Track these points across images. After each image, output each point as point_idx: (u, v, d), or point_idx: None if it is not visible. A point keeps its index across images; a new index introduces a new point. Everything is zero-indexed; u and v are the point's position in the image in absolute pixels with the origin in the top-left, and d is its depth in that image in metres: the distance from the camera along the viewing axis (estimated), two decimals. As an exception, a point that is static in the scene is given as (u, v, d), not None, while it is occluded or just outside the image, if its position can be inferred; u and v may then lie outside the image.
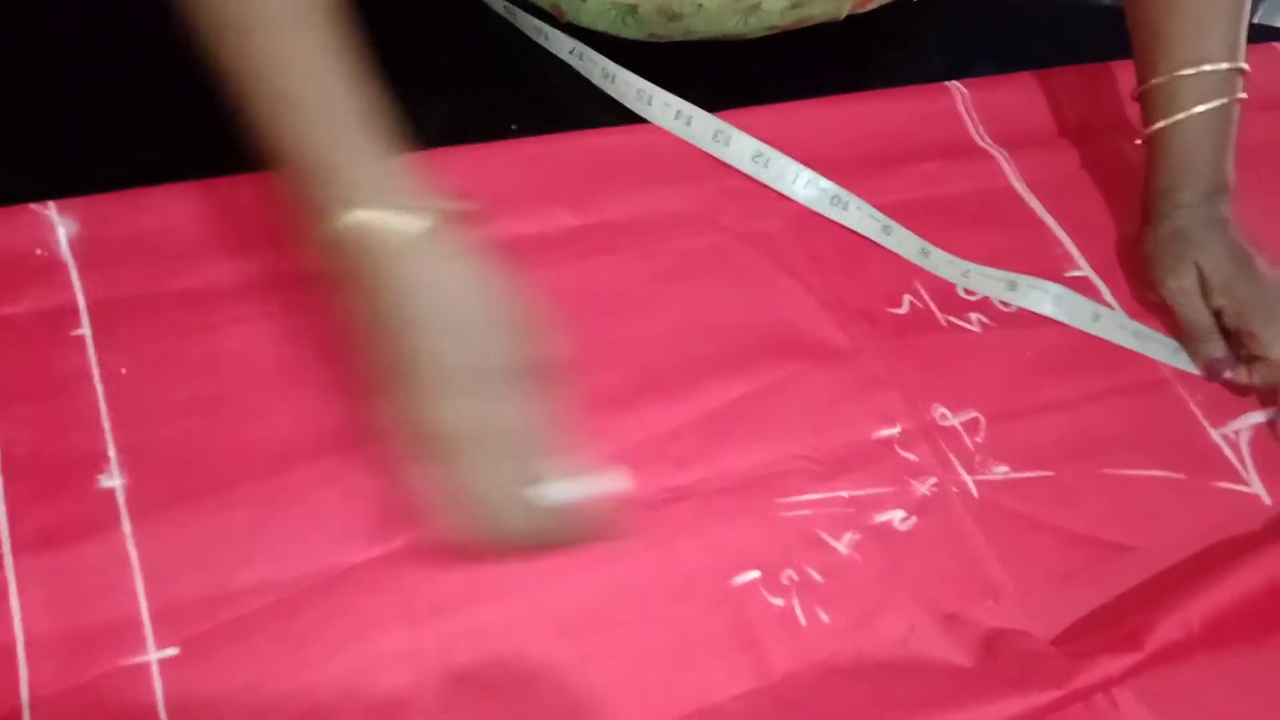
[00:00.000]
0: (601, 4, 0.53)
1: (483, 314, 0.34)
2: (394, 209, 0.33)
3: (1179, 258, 0.51)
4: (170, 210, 0.43)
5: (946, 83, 0.59)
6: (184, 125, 0.47)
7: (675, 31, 0.55)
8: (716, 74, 0.56)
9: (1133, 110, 0.55)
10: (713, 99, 0.53)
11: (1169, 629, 0.40)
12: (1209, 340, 0.51)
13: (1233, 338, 0.51)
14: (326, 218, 0.33)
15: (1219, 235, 0.51)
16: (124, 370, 0.39)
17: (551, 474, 0.34)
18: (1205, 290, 0.51)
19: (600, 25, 0.55)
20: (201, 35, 0.36)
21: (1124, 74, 0.61)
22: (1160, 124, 0.52)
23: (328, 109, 0.34)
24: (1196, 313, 0.51)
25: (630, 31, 0.55)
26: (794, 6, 0.54)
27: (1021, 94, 0.61)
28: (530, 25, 0.56)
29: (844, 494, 0.43)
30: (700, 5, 0.52)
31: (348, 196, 0.33)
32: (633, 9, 0.53)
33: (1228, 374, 0.51)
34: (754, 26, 0.55)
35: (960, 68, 0.62)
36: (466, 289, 0.34)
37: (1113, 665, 0.39)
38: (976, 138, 0.58)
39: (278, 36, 0.34)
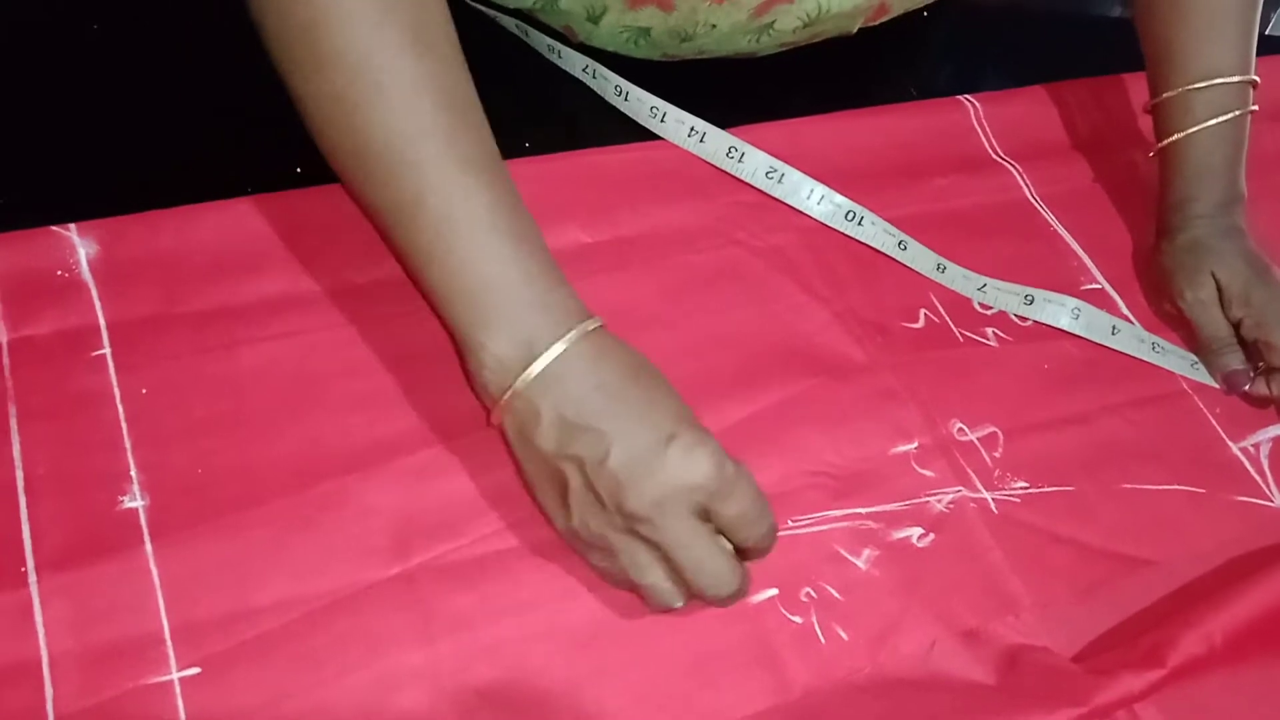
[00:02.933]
0: (613, 26, 0.53)
1: (631, 412, 0.36)
2: (539, 348, 0.36)
3: (1196, 269, 0.51)
4: (189, 231, 0.43)
5: (959, 96, 0.59)
6: (203, 147, 0.47)
7: (688, 51, 0.55)
8: (728, 90, 0.56)
9: (1145, 122, 0.55)
10: (725, 115, 0.53)
11: (1191, 644, 0.40)
12: (1227, 352, 0.51)
13: (1251, 349, 0.51)
14: (484, 385, 0.37)
15: (1235, 245, 0.51)
16: (144, 390, 0.39)
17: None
18: (1223, 302, 0.51)
19: (612, 46, 0.55)
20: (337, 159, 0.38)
21: (1135, 86, 0.61)
22: (1173, 137, 0.52)
23: (480, 270, 0.36)
24: (1215, 325, 0.51)
25: (642, 52, 0.55)
26: (806, 25, 0.54)
27: (1034, 107, 0.61)
28: (543, 43, 0.56)
29: (862, 511, 0.43)
30: (713, 26, 0.53)
31: (498, 366, 0.36)
32: (645, 31, 0.53)
33: (1247, 386, 0.51)
34: (766, 44, 0.56)
35: (971, 80, 0.62)
36: (608, 394, 0.36)
37: (1135, 681, 0.38)
38: (990, 151, 0.58)
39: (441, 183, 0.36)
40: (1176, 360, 0.52)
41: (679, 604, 0.37)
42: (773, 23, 0.53)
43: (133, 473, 0.37)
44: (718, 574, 0.36)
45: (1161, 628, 0.41)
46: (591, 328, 0.37)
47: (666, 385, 0.37)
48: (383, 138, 0.36)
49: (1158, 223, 0.54)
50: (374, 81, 0.36)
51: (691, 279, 0.49)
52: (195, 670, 0.34)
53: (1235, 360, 0.51)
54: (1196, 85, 0.51)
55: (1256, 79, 0.51)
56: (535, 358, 0.35)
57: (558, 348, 0.35)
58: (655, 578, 0.36)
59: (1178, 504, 0.47)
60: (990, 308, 0.52)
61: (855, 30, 0.58)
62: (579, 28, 0.55)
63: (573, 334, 0.36)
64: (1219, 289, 0.51)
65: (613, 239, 0.49)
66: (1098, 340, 0.51)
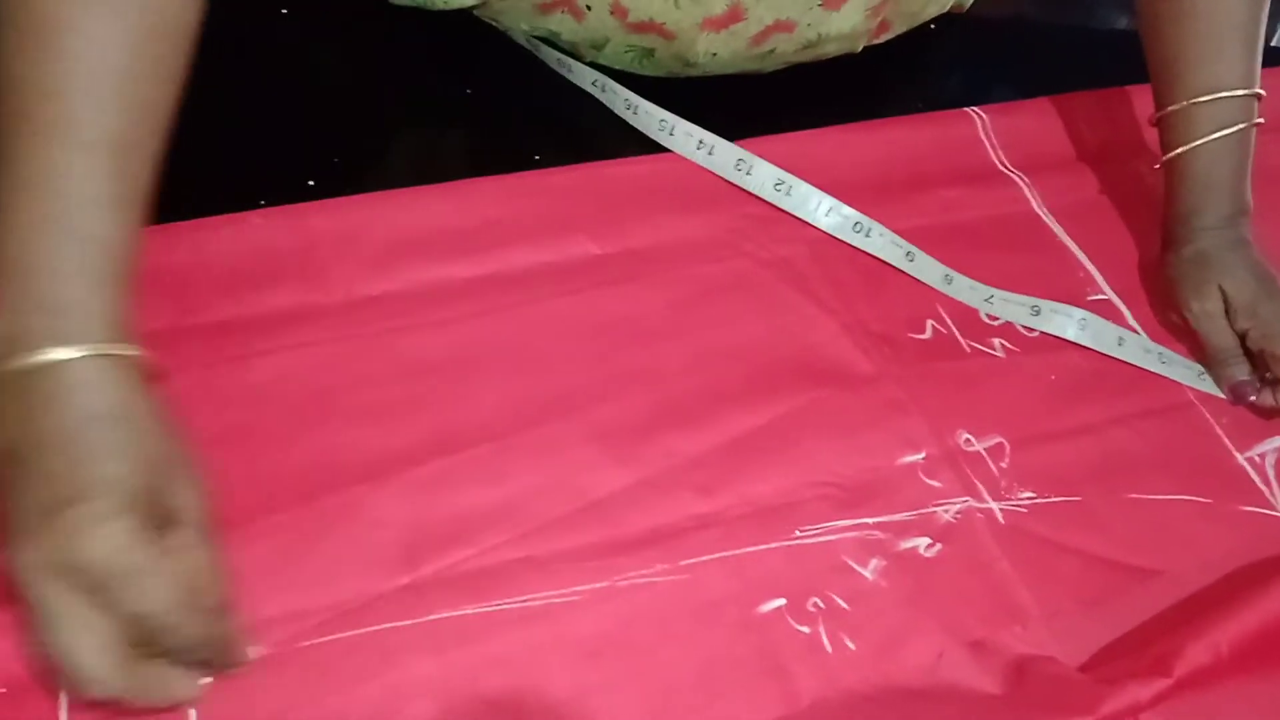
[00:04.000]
0: (618, 47, 0.54)
1: (128, 452, 0.32)
2: (17, 349, 0.32)
3: (1202, 280, 0.51)
4: (203, 244, 0.44)
5: (966, 109, 0.60)
6: (216, 160, 0.48)
7: (692, 74, 0.56)
8: (737, 104, 0.57)
9: (1151, 134, 0.55)
10: (733, 128, 0.53)
11: (1197, 654, 0.40)
12: (1234, 363, 0.51)
13: (1257, 360, 0.51)
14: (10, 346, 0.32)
15: (1241, 257, 0.51)
16: (158, 401, 0.40)
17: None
18: (1229, 312, 0.51)
19: (618, 65, 0.56)
20: None
21: (1141, 98, 0.61)
22: (1178, 150, 0.52)
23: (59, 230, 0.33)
24: (1221, 335, 0.51)
25: (648, 71, 0.56)
26: (807, 48, 0.55)
27: (1041, 119, 0.61)
28: (553, 58, 0.57)
29: (869, 521, 0.43)
30: (715, 55, 0.53)
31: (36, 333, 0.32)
32: (649, 51, 0.54)
33: (1253, 397, 0.51)
34: (769, 65, 0.56)
35: (978, 93, 0.62)
36: (113, 431, 0.32)
37: (1142, 691, 0.38)
38: (997, 163, 0.59)
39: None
40: (1183, 371, 0.52)
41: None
42: (772, 49, 0.54)
43: (146, 483, 0.38)
44: (78, 665, 0.31)
45: (1168, 637, 0.41)
46: (112, 352, 0.33)
47: (137, 448, 0.33)
48: (13, 75, 0.33)
49: (1163, 235, 0.54)
50: (37, 29, 0.33)
51: (700, 290, 0.49)
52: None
53: (1241, 371, 0.51)
54: (1201, 99, 0.51)
55: (1262, 92, 0.51)
56: (7, 357, 0.32)
57: (32, 357, 0.32)
58: (49, 641, 0.31)
59: (1184, 514, 0.47)
60: (997, 319, 0.52)
61: (860, 49, 0.58)
62: (584, 49, 0.55)
63: (70, 350, 0.32)
64: (1225, 300, 0.51)
65: (622, 251, 0.50)
66: (1104, 351, 0.51)
